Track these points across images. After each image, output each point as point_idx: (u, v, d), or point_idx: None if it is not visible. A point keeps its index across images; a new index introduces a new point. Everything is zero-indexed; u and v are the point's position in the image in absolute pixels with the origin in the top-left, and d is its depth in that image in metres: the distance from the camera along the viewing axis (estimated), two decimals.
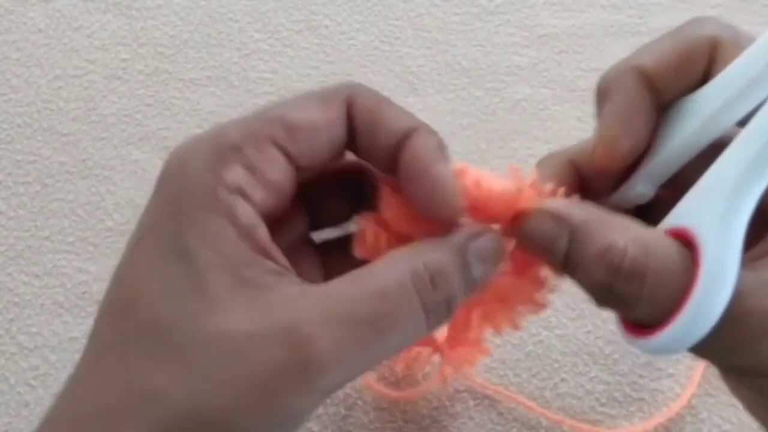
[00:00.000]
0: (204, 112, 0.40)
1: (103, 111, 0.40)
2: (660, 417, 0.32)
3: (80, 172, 0.38)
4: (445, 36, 0.41)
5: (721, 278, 0.20)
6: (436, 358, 0.28)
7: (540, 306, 0.26)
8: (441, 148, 0.23)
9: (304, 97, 0.23)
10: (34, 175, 0.38)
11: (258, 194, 0.22)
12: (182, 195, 0.22)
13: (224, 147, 0.22)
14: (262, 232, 0.22)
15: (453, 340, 0.27)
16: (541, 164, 0.25)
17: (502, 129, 0.39)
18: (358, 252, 0.24)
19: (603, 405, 0.32)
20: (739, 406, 0.32)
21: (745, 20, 0.41)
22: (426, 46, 0.41)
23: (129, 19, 0.42)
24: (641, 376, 0.33)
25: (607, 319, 0.34)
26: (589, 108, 0.40)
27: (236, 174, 0.22)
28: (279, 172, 0.22)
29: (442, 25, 0.42)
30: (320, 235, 0.27)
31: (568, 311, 0.34)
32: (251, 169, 0.22)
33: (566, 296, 0.34)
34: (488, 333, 0.27)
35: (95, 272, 0.36)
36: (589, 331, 0.34)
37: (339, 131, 0.23)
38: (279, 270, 0.22)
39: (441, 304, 0.22)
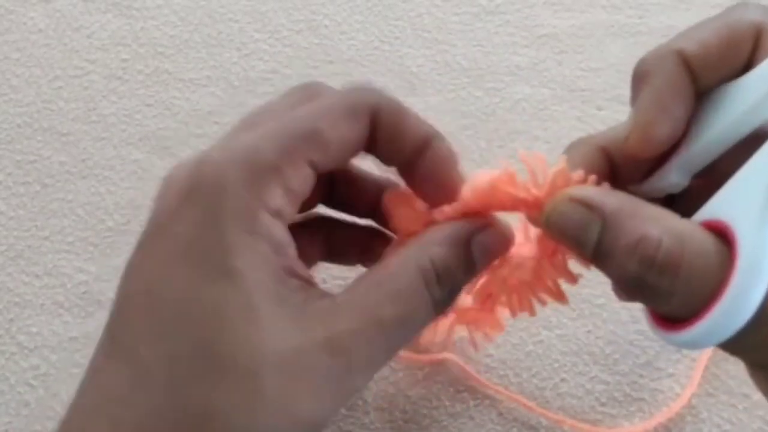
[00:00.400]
0: (204, 112, 0.40)
1: (103, 111, 0.40)
2: (660, 417, 0.32)
3: (80, 172, 0.38)
4: (445, 36, 0.41)
5: (757, 274, 0.19)
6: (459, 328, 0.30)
7: (560, 296, 0.26)
8: (455, 154, 0.25)
9: (334, 109, 0.23)
10: (34, 175, 0.38)
11: (290, 213, 0.23)
12: (224, 215, 0.21)
13: (263, 167, 0.22)
14: (292, 251, 0.23)
15: (470, 315, 0.29)
16: (570, 150, 0.25)
17: (501, 129, 0.39)
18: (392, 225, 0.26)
19: (603, 405, 0.32)
20: (739, 405, 0.32)
21: None
22: (426, 46, 0.41)
23: (129, 19, 0.42)
24: (641, 376, 0.33)
25: (608, 319, 0.34)
26: (589, 108, 0.40)
27: (276, 197, 0.22)
28: (308, 189, 0.23)
29: (442, 25, 0.42)
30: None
31: (569, 311, 0.34)
32: (287, 189, 0.22)
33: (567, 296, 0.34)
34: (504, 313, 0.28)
35: (95, 272, 0.36)
36: (589, 331, 0.34)
37: (364, 141, 0.24)
38: (304, 285, 0.23)
39: (446, 297, 0.24)
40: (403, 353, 0.33)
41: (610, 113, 0.39)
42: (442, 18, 0.42)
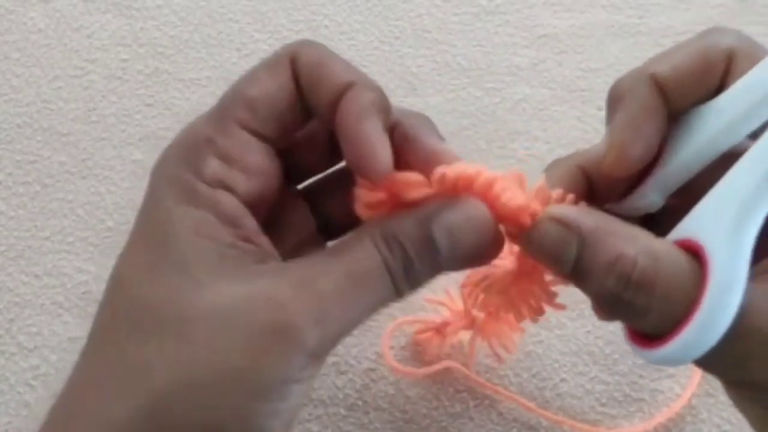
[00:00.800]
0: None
1: (103, 111, 0.40)
2: (660, 417, 0.32)
3: (80, 172, 0.38)
4: (445, 36, 0.41)
5: (728, 292, 0.20)
6: (464, 333, 0.30)
7: (540, 311, 0.26)
8: (376, 104, 0.22)
9: (254, 68, 0.24)
10: (34, 175, 0.38)
11: (240, 182, 0.23)
12: (164, 191, 0.23)
13: (197, 141, 0.23)
14: (248, 222, 0.23)
15: (490, 327, 0.29)
16: (550, 170, 0.25)
17: (501, 129, 0.39)
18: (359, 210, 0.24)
19: (603, 405, 0.32)
20: None
21: (745, 20, 0.41)
22: (426, 46, 0.41)
23: (129, 20, 0.42)
24: (641, 377, 0.33)
25: None
26: (589, 108, 0.40)
27: (213, 167, 0.22)
28: (255, 155, 0.23)
29: (441, 25, 0.42)
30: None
31: (568, 311, 0.34)
32: (227, 158, 0.23)
33: (566, 296, 0.34)
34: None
35: (95, 272, 0.36)
36: (589, 331, 0.34)
37: (291, 92, 0.23)
38: (263, 253, 0.23)
39: (399, 267, 0.22)
40: (404, 368, 0.32)
41: None
42: (442, 18, 0.42)
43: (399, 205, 0.23)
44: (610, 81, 0.39)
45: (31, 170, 0.38)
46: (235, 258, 0.22)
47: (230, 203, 0.22)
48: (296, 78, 0.23)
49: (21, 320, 0.35)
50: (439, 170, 0.22)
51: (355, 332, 0.31)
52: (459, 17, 0.42)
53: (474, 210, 0.23)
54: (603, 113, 0.40)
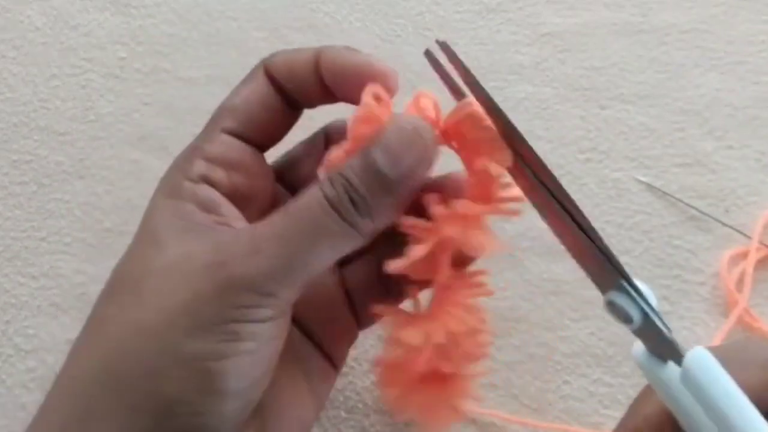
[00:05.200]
0: (203, 112, 0.39)
1: (101, 110, 0.40)
2: None
3: (77, 171, 0.38)
4: (447, 34, 0.41)
5: None
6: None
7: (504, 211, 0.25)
8: (349, 47, 0.26)
9: (237, 85, 0.27)
10: (30, 175, 0.38)
11: (221, 177, 0.26)
12: (157, 194, 0.26)
13: (188, 151, 0.26)
14: (228, 210, 0.25)
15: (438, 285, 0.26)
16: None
17: None
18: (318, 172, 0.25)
19: (606, 408, 0.32)
20: None
21: (747, 19, 0.40)
22: (427, 44, 0.41)
23: (127, 18, 0.42)
24: (644, 378, 0.32)
25: (611, 321, 0.33)
26: (591, 107, 0.40)
27: (198, 167, 0.25)
28: (236, 153, 0.26)
29: (443, 23, 0.41)
30: None
31: (571, 313, 0.34)
32: (210, 158, 0.26)
33: (569, 298, 0.34)
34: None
35: (93, 273, 0.35)
36: (592, 333, 0.33)
37: (267, 94, 0.26)
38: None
39: (345, 198, 0.23)
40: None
41: (613, 112, 0.38)
42: (444, 16, 0.42)
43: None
44: (613, 79, 0.39)
45: (28, 170, 0.38)
46: (206, 231, 0.24)
47: (209, 194, 0.25)
48: (272, 80, 0.27)
49: (18, 322, 0.34)
50: (370, 89, 0.24)
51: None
52: (461, 15, 0.42)
53: (404, 122, 0.24)
54: (606, 112, 0.39)
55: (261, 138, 0.27)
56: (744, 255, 0.34)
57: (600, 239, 0.23)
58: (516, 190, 0.25)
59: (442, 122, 0.25)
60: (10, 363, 0.34)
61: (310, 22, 0.42)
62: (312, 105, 0.27)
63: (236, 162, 0.26)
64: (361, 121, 0.24)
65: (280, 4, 0.42)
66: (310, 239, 0.23)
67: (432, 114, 0.25)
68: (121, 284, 0.24)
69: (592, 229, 0.23)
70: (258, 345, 0.22)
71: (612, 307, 0.24)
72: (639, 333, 0.24)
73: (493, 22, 0.41)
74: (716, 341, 0.32)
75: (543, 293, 0.34)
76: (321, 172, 0.24)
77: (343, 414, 0.32)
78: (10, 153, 0.38)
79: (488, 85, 0.39)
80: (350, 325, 0.29)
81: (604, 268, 0.23)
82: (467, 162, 0.25)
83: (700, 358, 0.22)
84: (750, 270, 0.33)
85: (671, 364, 0.23)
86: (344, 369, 0.33)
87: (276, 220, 0.23)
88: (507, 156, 0.24)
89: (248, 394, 0.23)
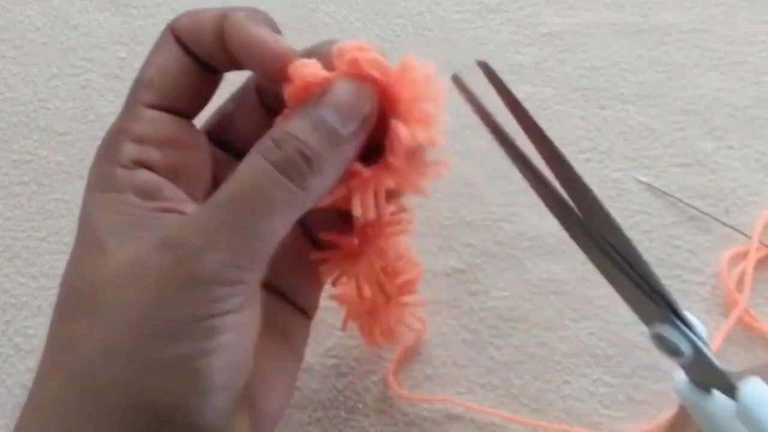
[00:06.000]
0: (202, 111, 0.39)
1: (101, 110, 0.40)
2: (663, 419, 0.31)
3: (77, 171, 0.38)
4: (447, 34, 0.41)
5: None
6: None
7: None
8: (250, 16, 0.25)
9: (150, 53, 0.26)
10: (30, 175, 0.38)
11: (155, 156, 0.24)
12: (88, 190, 0.24)
13: (112, 134, 0.24)
14: (170, 192, 0.24)
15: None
16: None
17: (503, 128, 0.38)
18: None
19: (606, 408, 0.32)
20: None
21: (747, 19, 0.40)
22: (427, 44, 0.41)
23: (127, 18, 0.42)
24: (645, 378, 0.32)
25: (610, 321, 0.33)
26: (591, 107, 0.40)
27: (128, 151, 0.24)
28: (166, 128, 0.25)
29: (443, 23, 0.41)
30: None
31: (571, 313, 0.34)
32: (139, 139, 0.24)
33: (569, 297, 0.34)
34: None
35: None
36: (592, 333, 0.33)
37: (180, 60, 0.25)
38: (183, 217, 0.23)
39: (294, 158, 0.22)
40: (405, 393, 0.32)
41: (613, 112, 0.38)
42: (444, 16, 0.42)
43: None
44: (613, 79, 0.39)
45: (28, 170, 0.38)
46: (152, 223, 0.23)
47: (147, 177, 0.24)
48: (180, 42, 0.25)
49: (18, 322, 0.34)
50: (341, 50, 0.24)
51: (357, 334, 0.31)
52: (461, 15, 0.41)
53: (351, 80, 0.24)
54: (606, 112, 0.39)
55: (185, 106, 0.25)
56: (744, 255, 0.34)
57: (649, 271, 0.22)
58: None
59: (385, 79, 0.25)
60: (10, 363, 0.34)
61: (310, 22, 0.42)
62: (226, 70, 0.26)
63: (168, 138, 0.24)
64: (300, 90, 0.24)
65: (280, 4, 0.42)
66: (263, 216, 0.22)
67: (373, 72, 0.24)
68: (75, 299, 0.23)
69: (640, 260, 0.22)
70: (238, 334, 0.22)
71: (659, 340, 0.23)
72: (686, 365, 0.23)
73: (493, 22, 0.41)
74: (716, 341, 0.32)
75: (543, 293, 0.34)
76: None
77: (343, 414, 0.32)
78: (10, 153, 0.38)
79: (488, 85, 0.39)
80: (317, 268, 0.28)
81: (650, 299, 0.22)
82: (395, 122, 0.25)
83: (758, 391, 0.21)
84: (750, 270, 0.33)
85: (717, 394, 0.23)
86: (344, 369, 0.33)
87: (222, 201, 0.22)
88: (438, 131, 0.25)
89: (236, 382, 0.23)
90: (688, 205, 0.36)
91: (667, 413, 0.31)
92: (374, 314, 0.29)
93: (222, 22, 0.24)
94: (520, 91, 0.39)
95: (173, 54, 0.25)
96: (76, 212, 0.38)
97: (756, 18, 0.40)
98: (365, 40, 0.25)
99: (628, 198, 0.36)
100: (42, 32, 0.42)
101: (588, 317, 0.34)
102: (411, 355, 0.33)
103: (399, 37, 0.41)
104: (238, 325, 0.22)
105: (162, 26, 0.41)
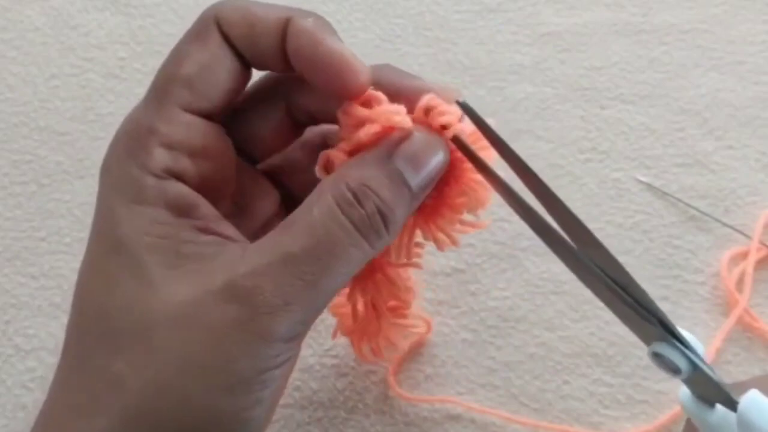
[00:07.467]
0: None
1: (101, 110, 0.40)
2: (663, 419, 0.31)
3: (77, 171, 0.38)
4: (447, 34, 0.41)
5: None
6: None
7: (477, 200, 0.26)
8: (321, 25, 0.22)
9: (182, 43, 0.23)
10: (30, 175, 0.38)
11: (189, 168, 0.22)
12: (112, 191, 0.22)
13: (139, 132, 0.22)
14: (205, 210, 0.22)
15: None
16: None
17: (504, 128, 0.38)
18: (319, 174, 0.24)
19: (606, 407, 0.32)
20: None
21: (747, 19, 0.40)
22: (427, 44, 0.41)
23: (127, 17, 0.42)
24: (644, 378, 0.32)
25: (610, 321, 0.33)
26: (591, 107, 0.40)
27: (159, 157, 0.21)
28: (202, 137, 0.22)
29: (443, 23, 0.41)
30: None
31: (571, 313, 0.34)
32: (172, 145, 0.22)
33: (569, 297, 0.34)
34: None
35: None
36: (592, 333, 0.33)
37: (224, 58, 0.23)
38: (223, 241, 0.22)
39: (374, 219, 0.21)
40: (405, 393, 0.32)
41: (613, 112, 0.38)
42: (444, 16, 0.42)
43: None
44: (614, 80, 0.39)
45: (28, 170, 0.38)
46: (193, 253, 0.21)
47: (181, 192, 0.22)
48: (226, 38, 0.22)
49: (17, 322, 0.34)
50: (425, 101, 0.23)
51: None
52: (461, 15, 0.41)
53: (425, 134, 0.23)
54: (606, 112, 0.39)
55: (220, 111, 0.23)
56: (744, 255, 0.34)
57: (642, 293, 0.23)
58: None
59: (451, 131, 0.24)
60: (10, 363, 0.34)
61: None
62: (266, 69, 0.24)
63: (202, 147, 0.22)
64: (373, 127, 0.23)
65: (280, 4, 0.42)
66: (337, 275, 0.21)
67: (442, 120, 0.24)
68: (119, 334, 0.21)
69: (634, 283, 0.22)
70: (284, 380, 0.22)
71: (658, 358, 0.23)
72: (687, 381, 0.23)
73: (493, 22, 0.41)
74: (716, 341, 0.32)
75: (543, 293, 0.34)
76: (322, 175, 0.23)
77: (343, 414, 0.32)
78: (10, 153, 0.38)
79: (488, 85, 0.39)
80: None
81: (647, 320, 0.23)
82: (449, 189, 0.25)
83: (756, 402, 0.22)
84: (750, 270, 0.33)
85: (720, 408, 0.23)
86: (344, 369, 0.33)
87: (297, 255, 0.20)
88: (485, 200, 0.25)
89: (270, 415, 0.23)
90: (688, 205, 0.36)
91: (667, 413, 0.31)
92: (365, 332, 0.29)
93: (286, 27, 0.22)
94: (519, 91, 0.39)
95: (219, 53, 0.22)
96: (76, 212, 0.38)
97: (756, 18, 0.40)
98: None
99: (628, 198, 0.36)
100: (42, 32, 0.42)
101: (588, 317, 0.34)
102: (411, 355, 0.33)
103: (399, 37, 0.41)
104: (286, 375, 0.22)
105: (162, 26, 0.40)
